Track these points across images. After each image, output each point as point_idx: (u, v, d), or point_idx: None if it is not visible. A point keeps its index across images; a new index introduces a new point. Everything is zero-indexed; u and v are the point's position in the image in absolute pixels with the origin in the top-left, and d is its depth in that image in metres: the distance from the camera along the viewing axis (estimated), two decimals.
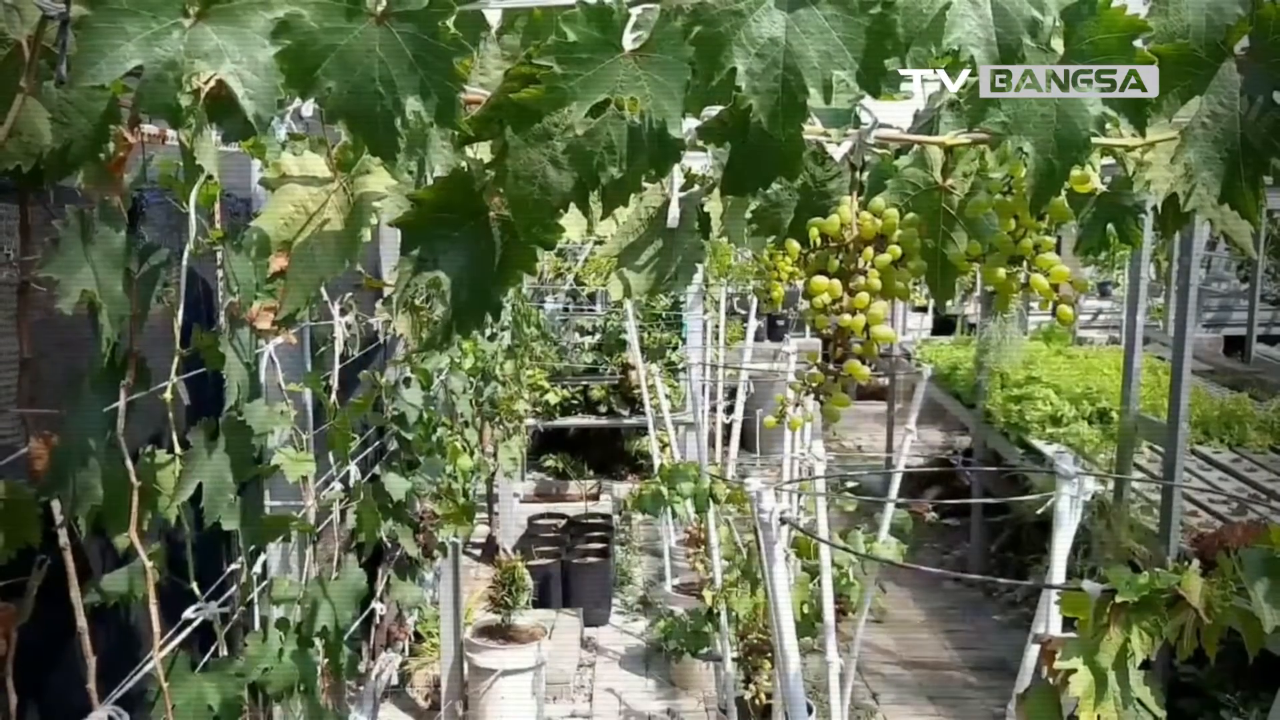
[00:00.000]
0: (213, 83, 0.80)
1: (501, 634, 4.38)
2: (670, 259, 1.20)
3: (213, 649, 1.71)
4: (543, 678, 4.42)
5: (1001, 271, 1.02)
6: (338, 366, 2.58)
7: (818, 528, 3.16)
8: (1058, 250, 1.04)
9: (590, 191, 0.88)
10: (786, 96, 0.80)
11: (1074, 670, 1.23)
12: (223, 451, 1.49)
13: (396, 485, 2.79)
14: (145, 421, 1.49)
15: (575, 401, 7.81)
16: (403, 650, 4.40)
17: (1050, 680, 1.27)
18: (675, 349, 7.54)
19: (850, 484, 5.24)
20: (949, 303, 1.11)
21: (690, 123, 0.91)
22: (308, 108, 1.52)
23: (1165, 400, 4.27)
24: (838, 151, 1.05)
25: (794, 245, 1.02)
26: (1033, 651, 1.93)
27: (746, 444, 7.15)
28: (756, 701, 4.13)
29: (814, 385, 1.02)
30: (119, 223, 1.21)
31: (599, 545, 5.96)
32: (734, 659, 4.09)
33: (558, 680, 4.79)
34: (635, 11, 0.83)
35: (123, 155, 1.20)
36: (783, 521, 2.04)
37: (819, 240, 1.01)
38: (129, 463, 1.33)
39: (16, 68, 0.91)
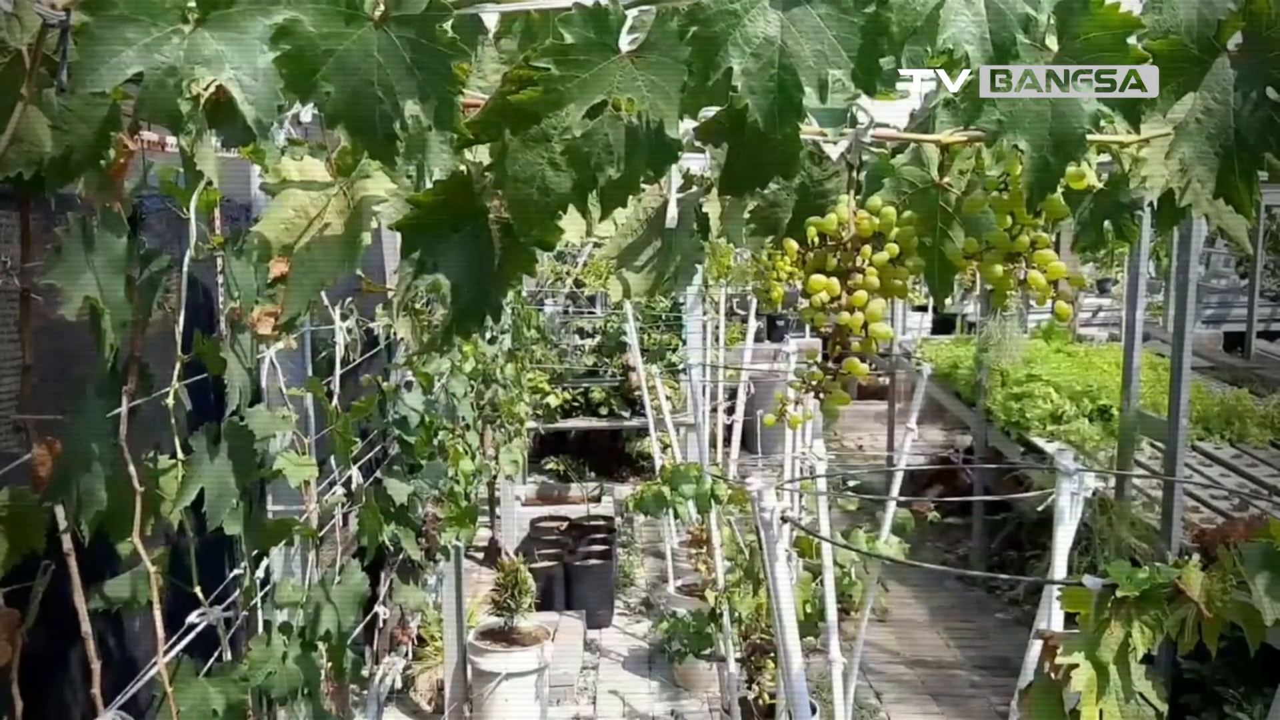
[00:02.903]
0: (213, 89, 0.81)
1: (504, 637, 4.38)
2: (669, 260, 1.21)
3: (216, 654, 1.72)
4: (546, 680, 4.42)
5: (999, 268, 1.03)
6: (339, 371, 2.58)
7: (820, 527, 3.16)
8: (1056, 247, 1.05)
9: (589, 193, 0.88)
10: (783, 96, 0.81)
11: (1076, 665, 1.23)
12: (225, 456, 1.50)
13: (398, 489, 2.80)
14: (147, 427, 1.49)
15: (576, 404, 7.81)
16: (406, 654, 4.40)
17: (1052, 676, 1.27)
18: (675, 350, 7.55)
19: (852, 483, 5.24)
20: (948, 301, 1.11)
21: (687, 123, 0.92)
22: (307, 113, 1.52)
23: (1165, 397, 4.27)
24: (834, 151, 1.05)
25: (792, 244, 1.03)
26: (1035, 648, 1.93)
27: (747, 444, 7.16)
28: (760, 701, 4.13)
29: (813, 383, 1.02)
30: (120, 229, 1.21)
31: (601, 547, 5.96)
32: (737, 659, 4.10)
33: (561, 683, 4.79)
34: (631, 13, 0.84)
35: (123, 162, 1.21)
36: (784, 521, 2.04)
37: (817, 239, 1.01)
38: (132, 468, 1.33)
39: (17, 75, 0.92)
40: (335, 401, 2.41)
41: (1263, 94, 0.82)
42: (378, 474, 2.97)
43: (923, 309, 8.96)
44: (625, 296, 1.22)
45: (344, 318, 2.65)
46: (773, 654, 4.02)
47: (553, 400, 7.60)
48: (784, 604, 2.05)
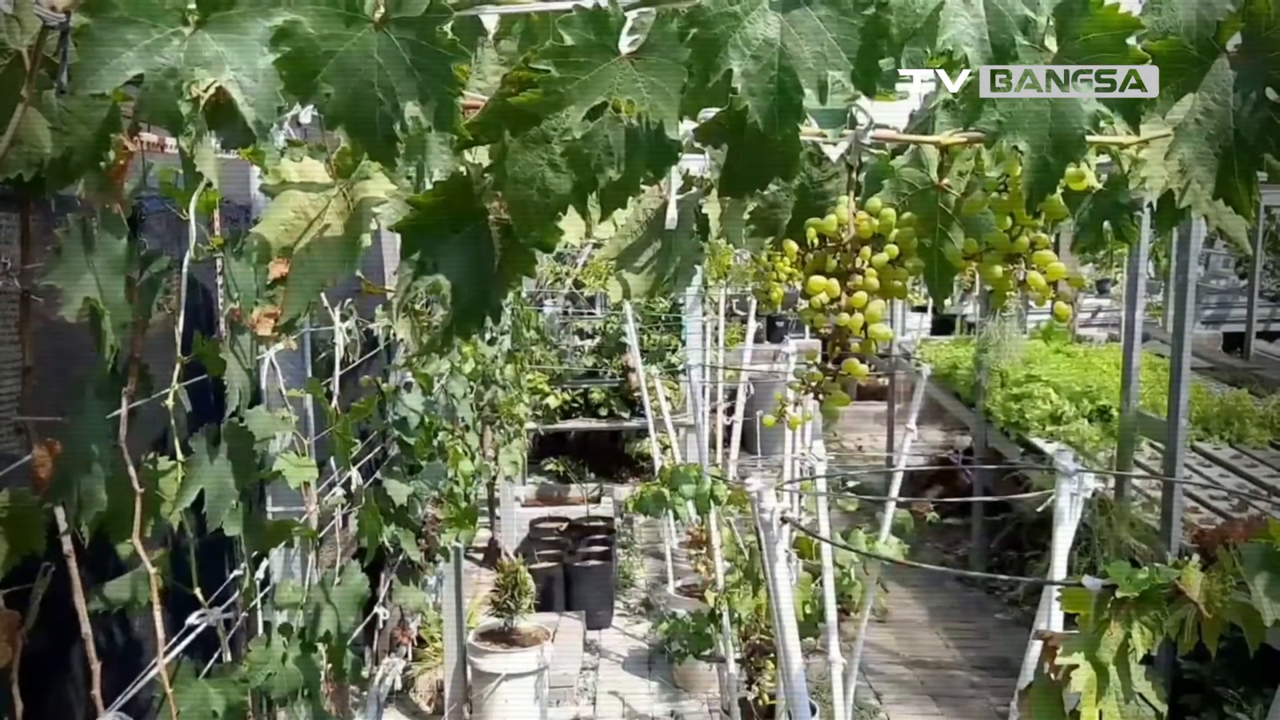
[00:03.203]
0: (213, 90, 0.81)
1: (504, 638, 4.38)
2: (669, 261, 1.21)
3: (216, 655, 1.72)
4: (546, 681, 4.42)
5: (999, 269, 1.03)
6: (338, 372, 2.58)
7: (819, 528, 3.16)
8: (1056, 248, 1.05)
9: (589, 194, 0.88)
10: (782, 97, 0.81)
11: (1075, 666, 1.23)
12: (225, 458, 1.50)
13: (398, 490, 2.80)
14: (147, 428, 1.49)
15: (575, 404, 7.82)
16: (406, 655, 4.40)
17: (1052, 676, 1.27)
18: (675, 351, 7.55)
19: (851, 484, 5.24)
20: (947, 302, 1.11)
21: (687, 124, 0.92)
22: (306, 114, 1.52)
23: (1165, 397, 4.27)
24: (834, 152, 1.05)
25: (792, 246, 1.03)
26: (1035, 649, 1.93)
27: (747, 445, 7.16)
28: (760, 702, 4.13)
29: (813, 384, 1.03)
30: (120, 230, 1.21)
31: (601, 548, 5.96)
32: (737, 660, 4.09)
33: (561, 684, 4.79)
34: (631, 15, 0.84)
35: (123, 163, 1.21)
36: (784, 521, 2.04)
37: (816, 240, 1.01)
38: (132, 470, 1.33)
39: (17, 77, 0.92)
40: (335, 403, 2.41)
41: (1262, 94, 0.83)
42: (377, 475, 2.97)
43: (922, 310, 8.97)
44: (625, 297, 1.22)
45: (344, 319, 2.65)
46: (772, 655, 4.02)
47: (552, 401, 7.60)
48: (784, 605, 2.05)
